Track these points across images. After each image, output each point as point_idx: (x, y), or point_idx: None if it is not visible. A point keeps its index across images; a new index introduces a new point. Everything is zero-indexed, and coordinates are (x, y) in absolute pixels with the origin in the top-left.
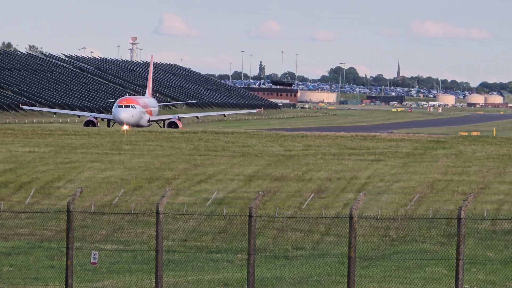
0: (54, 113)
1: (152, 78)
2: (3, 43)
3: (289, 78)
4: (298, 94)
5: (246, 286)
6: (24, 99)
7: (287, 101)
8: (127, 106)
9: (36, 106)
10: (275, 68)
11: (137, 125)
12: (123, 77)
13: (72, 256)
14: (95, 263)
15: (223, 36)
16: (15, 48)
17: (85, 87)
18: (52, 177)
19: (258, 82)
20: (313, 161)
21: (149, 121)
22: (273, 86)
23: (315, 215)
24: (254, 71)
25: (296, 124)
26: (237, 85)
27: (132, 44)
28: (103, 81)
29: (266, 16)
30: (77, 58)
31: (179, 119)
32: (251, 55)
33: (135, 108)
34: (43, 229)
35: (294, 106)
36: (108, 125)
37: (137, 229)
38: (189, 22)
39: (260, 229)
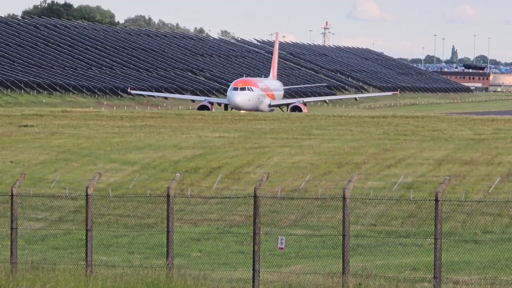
0: (165, 97)
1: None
2: (196, 28)
3: (481, 61)
4: (491, 77)
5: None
6: (217, 84)
7: (479, 84)
8: (243, 89)
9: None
10: (467, 52)
11: (256, 110)
12: (315, 62)
13: (259, 241)
14: (282, 248)
15: (416, 20)
16: (207, 34)
17: (277, 72)
18: (242, 162)
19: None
20: (503, 144)
21: (270, 105)
22: (465, 70)
23: (505, 199)
24: (446, 55)
25: (488, 108)
26: (429, 69)
27: (325, 29)
28: (295, 66)
29: (459, 0)
30: (269, 43)
31: (304, 103)
32: (443, 39)
33: (252, 90)
34: (232, 215)
35: (486, 89)
36: (225, 110)
37: (326, 213)
38: (382, 6)
39: (449, 213)
